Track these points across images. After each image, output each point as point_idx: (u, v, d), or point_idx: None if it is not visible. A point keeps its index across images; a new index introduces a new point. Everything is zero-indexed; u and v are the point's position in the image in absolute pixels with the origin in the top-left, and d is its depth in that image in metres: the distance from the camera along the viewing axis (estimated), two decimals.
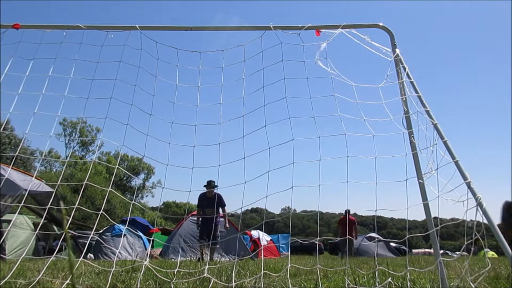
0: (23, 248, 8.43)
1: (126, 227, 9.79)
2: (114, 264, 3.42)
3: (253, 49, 3.54)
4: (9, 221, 7.95)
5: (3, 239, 7.58)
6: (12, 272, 2.87)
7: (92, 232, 9.50)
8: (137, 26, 3.51)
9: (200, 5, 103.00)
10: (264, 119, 3.22)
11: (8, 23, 3.46)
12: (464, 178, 2.30)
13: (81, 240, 9.62)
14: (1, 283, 2.48)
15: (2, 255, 6.66)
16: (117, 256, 9.00)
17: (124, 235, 9.84)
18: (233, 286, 2.49)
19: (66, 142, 46.54)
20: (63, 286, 2.48)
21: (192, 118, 3.52)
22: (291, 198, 2.94)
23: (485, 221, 2.13)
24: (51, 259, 4.24)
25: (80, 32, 3.50)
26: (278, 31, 3.42)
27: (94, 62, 3.53)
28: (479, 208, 2.14)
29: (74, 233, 9.02)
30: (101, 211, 3.05)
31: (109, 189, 3.39)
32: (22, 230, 8.57)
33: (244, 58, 3.52)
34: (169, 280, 2.52)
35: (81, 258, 2.81)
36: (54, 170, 39.43)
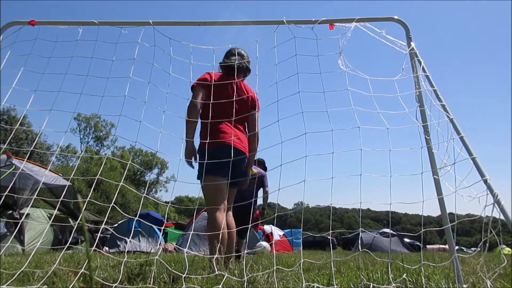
0: (42, 241, 8.60)
1: (137, 219, 9.91)
2: (126, 255, 3.46)
3: (265, 45, 3.53)
4: (26, 215, 8.11)
5: (22, 232, 7.77)
6: (27, 262, 2.93)
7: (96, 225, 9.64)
8: (150, 21, 3.52)
9: (206, 4, 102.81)
10: (277, 113, 3.21)
11: (24, 20, 3.51)
12: (482, 175, 2.25)
13: (97, 234, 9.80)
14: (19, 274, 2.54)
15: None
16: (129, 247, 9.13)
17: (140, 231, 9.99)
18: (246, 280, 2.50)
19: (81, 137, 47.37)
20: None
21: None
22: (304, 192, 2.93)
23: (502, 217, 2.09)
24: (64, 250, 4.32)
25: (94, 30, 3.54)
26: (291, 25, 3.40)
27: (109, 60, 3.55)
28: (496, 205, 2.10)
29: (90, 226, 9.17)
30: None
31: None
32: (39, 223, 8.73)
33: (257, 54, 3.51)
34: (181, 274, 2.55)
35: (93, 248, 2.86)
36: (71, 164, 40.20)
